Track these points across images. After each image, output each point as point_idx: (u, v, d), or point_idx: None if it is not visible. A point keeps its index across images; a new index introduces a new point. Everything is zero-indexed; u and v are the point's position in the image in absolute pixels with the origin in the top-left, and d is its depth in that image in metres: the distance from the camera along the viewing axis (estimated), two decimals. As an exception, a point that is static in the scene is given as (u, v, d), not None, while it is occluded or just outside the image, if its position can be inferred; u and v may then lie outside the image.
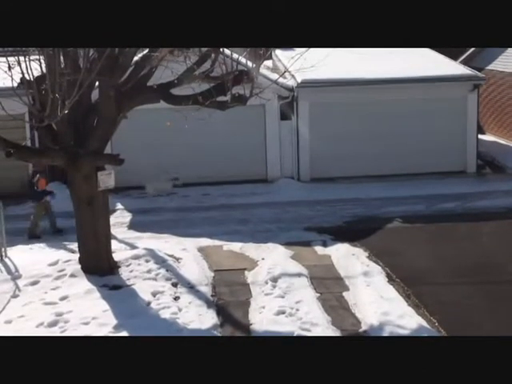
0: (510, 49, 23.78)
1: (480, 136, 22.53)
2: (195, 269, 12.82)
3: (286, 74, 17.77)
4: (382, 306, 11.08)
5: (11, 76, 9.36)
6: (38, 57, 9.68)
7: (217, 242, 15.00)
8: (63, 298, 11.14)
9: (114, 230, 13.88)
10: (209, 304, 11.34)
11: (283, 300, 11.33)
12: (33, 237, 15.66)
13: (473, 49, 25.87)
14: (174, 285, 11.90)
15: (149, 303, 11.03)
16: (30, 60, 9.09)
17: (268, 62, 21.62)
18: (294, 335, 9.96)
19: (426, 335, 9.64)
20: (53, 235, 15.80)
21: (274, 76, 18.16)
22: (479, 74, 21.63)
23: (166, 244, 14.38)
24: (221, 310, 11.22)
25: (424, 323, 10.50)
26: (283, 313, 10.78)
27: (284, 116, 20.72)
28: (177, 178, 19.97)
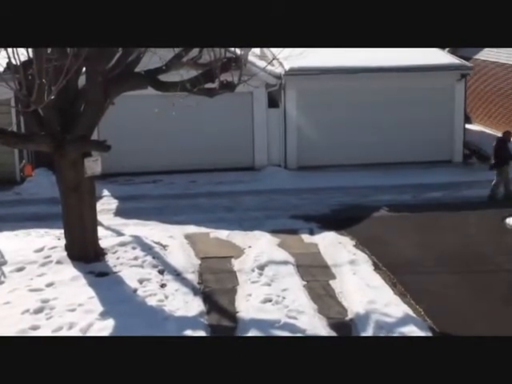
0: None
1: (467, 126, 22.58)
2: (182, 256, 12.80)
3: (274, 62, 17.70)
4: (368, 294, 11.11)
5: (-3, 61, 9.29)
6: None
7: (203, 230, 14.97)
8: (49, 285, 11.08)
9: (100, 217, 13.80)
10: (195, 291, 11.33)
11: (270, 288, 11.33)
12: (493, 199, 17.14)
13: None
14: (161, 272, 11.88)
15: (135, 290, 11.01)
16: (16, 44, 9.00)
17: (256, 49, 21.53)
18: (281, 323, 9.99)
19: (420, 335, 9.56)
20: (505, 199, 17.08)
21: (262, 63, 18.10)
22: (467, 63, 21.62)
23: (152, 231, 14.34)
24: (207, 298, 11.20)
25: (410, 312, 10.54)
26: (270, 301, 10.79)
27: (272, 103, 20.67)
28: None
